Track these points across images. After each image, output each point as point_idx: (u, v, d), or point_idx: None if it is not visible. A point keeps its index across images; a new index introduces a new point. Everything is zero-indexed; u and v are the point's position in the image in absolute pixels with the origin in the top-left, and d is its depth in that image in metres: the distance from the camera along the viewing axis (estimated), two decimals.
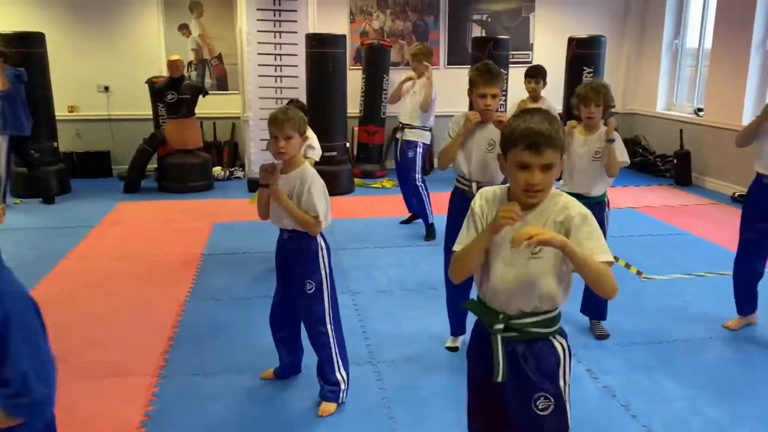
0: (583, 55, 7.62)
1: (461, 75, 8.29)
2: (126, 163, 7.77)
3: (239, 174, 8.16)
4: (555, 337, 1.87)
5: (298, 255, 2.91)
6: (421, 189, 5.52)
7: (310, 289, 2.93)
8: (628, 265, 4.77)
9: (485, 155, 3.21)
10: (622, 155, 3.44)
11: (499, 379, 1.83)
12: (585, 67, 7.57)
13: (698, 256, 5.06)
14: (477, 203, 1.91)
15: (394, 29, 8.49)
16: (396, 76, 8.21)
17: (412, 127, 5.53)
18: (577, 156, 3.50)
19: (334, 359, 2.99)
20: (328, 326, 2.99)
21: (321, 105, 7.10)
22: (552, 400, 1.84)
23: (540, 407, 1.84)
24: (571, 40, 7.70)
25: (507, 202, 1.82)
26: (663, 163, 8.15)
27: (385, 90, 8.17)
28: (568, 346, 1.90)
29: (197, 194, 7.30)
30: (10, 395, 1.36)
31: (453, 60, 8.58)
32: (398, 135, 5.65)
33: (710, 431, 2.76)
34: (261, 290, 4.39)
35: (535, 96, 5.22)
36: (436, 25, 8.53)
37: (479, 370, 1.94)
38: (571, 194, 3.65)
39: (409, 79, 5.70)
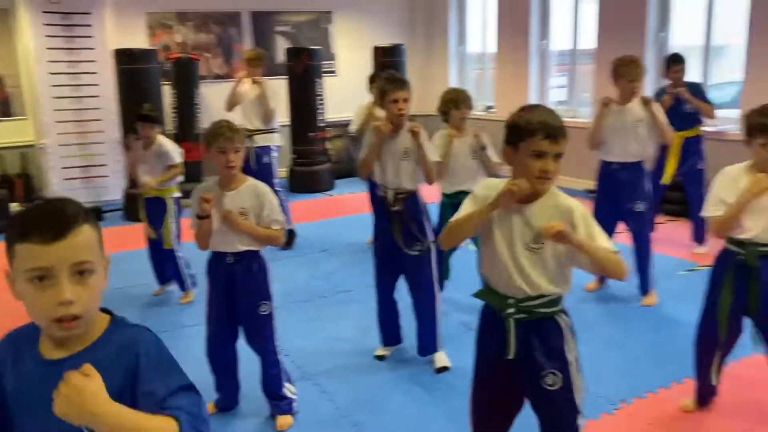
0: (388, 62, 8.11)
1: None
2: None
3: None
4: (560, 316, 2.03)
5: (249, 277, 2.83)
6: (280, 194, 5.49)
7: (265, 311, 2.88)
8: None
9: (400, 163, 3.28)
10: (495, 157, 3.92)
11: (511, 356, 1.99)
12: None
13: None
14: (479, 191, 2.04)
15: (198, 42, 8.21)
16: (206, 90, 7.97)
17: (260, 131, 5.46)
18: (461, 156, 3.89)
19: (282, 376, 2.98)
20: (277, 344, 2.97)
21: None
22: (560, 375, 1.99)
23: (548, 383, 1.99)
24: (377, 48, 8.15)
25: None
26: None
27: (197, 104, 7.87)
28: (571, 323, 2.06)
29: None
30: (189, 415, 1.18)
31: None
32: (247, 143, 5.52)
33: (626, 374, 3.28)
34: (170, 324, 4.06)
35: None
36: (241, 37, 8.42)
37: (492, 349, 2.06)
38: (458, 192, 4.04)
39: (240, 79, 5.58)
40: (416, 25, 9.57)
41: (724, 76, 6.91)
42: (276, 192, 5.54)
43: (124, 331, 1.26)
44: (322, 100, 7.95)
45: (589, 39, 7.30)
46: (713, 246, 5.14)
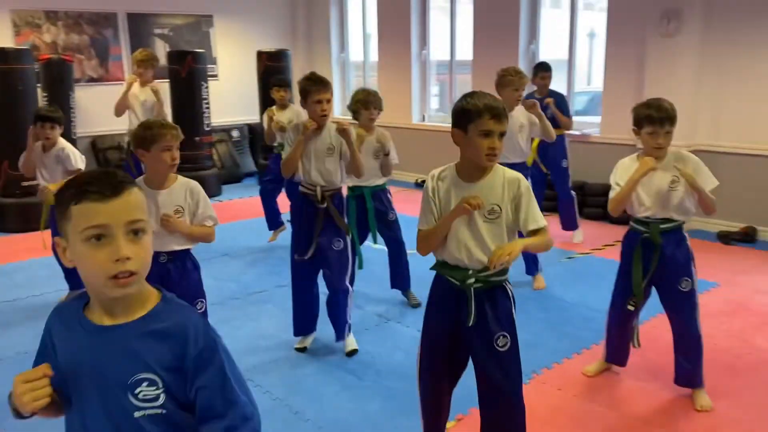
0: (272, 67, 8.14)
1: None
2: None
3: None
4: (507, 283, 2.28)
5: (184, 275, 2.84)
6: None
7: (201, 308, 2.89)
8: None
9: (325, 160, 3.41)
10: (396, 159, 4.17)
11: (471, 323, 2.20)
12: None
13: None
14: (429, 184, 2.27)
15: (69, 43, 7.78)
16: (80, 94, 7.58)
17: None
18: (366, 155, 4.07)
19: None
20: None
21: (13, 130, 6.17)
22: (509, 337, 2.24)
23: (500, 344, 2.23)
24: (260, 53, 8.17)
25: (456, 177, 2.23)
26: None
27: (72, 108, 7.46)
28: (513, 290, 2.31)
29: None
30: (232, 426, 1.27)
31: None
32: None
33: (531, 349, 3.57)
34: None
35: (284, 104, 5.56)
36: (117, 39, 8.10)
37: (448, 319, 2.27)
38: (358, 186, 4.20)
39: (131, 82, 5.45)
40: (298, 31, 9.69)
41: (582, 86, 7.71)
42: None
43: (175, 310, 1.29)
44: (208, 104, 7.84)
45: (465, 50, 7.81)
46: (588, 237, 5.77)
